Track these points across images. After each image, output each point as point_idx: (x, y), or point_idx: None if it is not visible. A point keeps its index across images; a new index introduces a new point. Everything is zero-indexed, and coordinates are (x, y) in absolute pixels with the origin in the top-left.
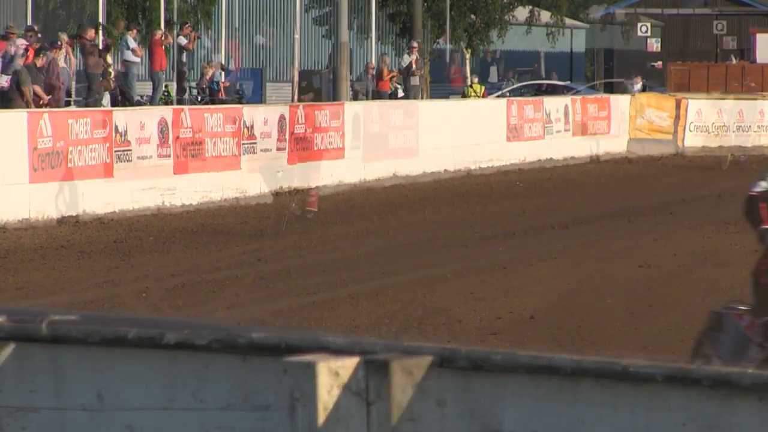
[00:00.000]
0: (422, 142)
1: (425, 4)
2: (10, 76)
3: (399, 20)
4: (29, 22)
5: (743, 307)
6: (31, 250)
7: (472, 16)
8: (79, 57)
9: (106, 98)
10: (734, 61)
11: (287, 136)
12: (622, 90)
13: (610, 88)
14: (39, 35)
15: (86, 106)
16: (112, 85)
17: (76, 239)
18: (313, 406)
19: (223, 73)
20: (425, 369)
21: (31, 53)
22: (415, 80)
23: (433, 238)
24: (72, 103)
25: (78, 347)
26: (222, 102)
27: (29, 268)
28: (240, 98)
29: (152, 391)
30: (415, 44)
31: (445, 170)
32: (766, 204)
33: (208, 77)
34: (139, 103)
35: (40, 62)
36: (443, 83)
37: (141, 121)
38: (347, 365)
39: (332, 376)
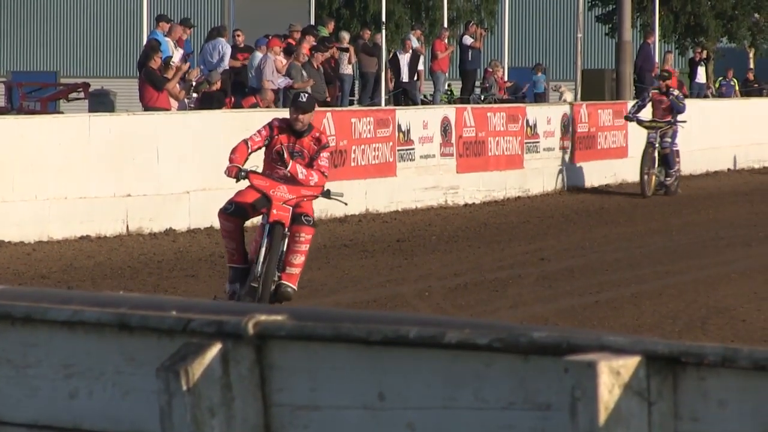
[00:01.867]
0: (701, 141)
1: (709, 3)
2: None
3: (683, 19)
4: (311, 22)
5: None
6: (315, 249)
7: (756, 14)
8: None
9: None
10: None
11: (571, 135)
12: None
13: None
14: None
15: (370, 105)
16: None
17: (359, 238)
18: (594, 405)
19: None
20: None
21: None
22: (701, 78)
23: (717, 237)
24: (354, 102)
25: (359, 346)
26: (503, 101)
27: (313, 266)
28: (522, 97)
29: (433, 390)
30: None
31: (728, 169)
32: (245, 150)
33: (498, 77)
34: (423, 103)
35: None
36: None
37: (424, 120)
38: (629, 365)
39: (613, 376)
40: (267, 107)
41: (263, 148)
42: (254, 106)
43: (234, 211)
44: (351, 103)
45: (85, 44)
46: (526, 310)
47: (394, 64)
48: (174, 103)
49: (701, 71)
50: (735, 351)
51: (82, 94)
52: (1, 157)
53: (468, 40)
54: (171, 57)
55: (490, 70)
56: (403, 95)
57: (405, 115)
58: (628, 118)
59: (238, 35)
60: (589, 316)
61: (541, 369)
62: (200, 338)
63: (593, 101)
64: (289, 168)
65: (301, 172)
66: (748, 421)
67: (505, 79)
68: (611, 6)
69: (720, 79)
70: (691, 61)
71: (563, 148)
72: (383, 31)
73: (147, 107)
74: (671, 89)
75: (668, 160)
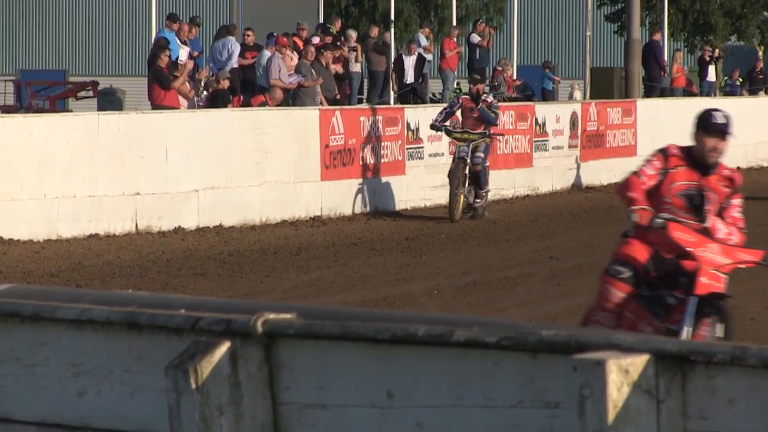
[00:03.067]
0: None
1: (718, 1)
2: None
3: (691, 17)
4: (320, 20)
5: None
6: (323, 247)
7: (765, 12)
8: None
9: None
10: None
11: (579, 134)
12: None
13: None
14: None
15: (379, 104)
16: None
17: (368, 236)
18: (602, 403)
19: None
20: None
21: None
22: (711, 77)
23: None
24: (363, 101)
25: (367, 344)
26: (512, 99)
27: (321, 265)
28: (530, 96)
29: (441, 388)
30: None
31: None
32: (641, 187)
33: (507, 75)
34: (431, 101)
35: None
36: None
37: (433, 118)
38: (637, 363)
39: (622, 374)
40: (276, 106)
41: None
42: (263, 104)
43: (629, 277)
44: (360, 101)
45: (94, 43)
46: (534, 309)
47: (398, 66)
48: (183, 102)
49: (711, 70)
50: (743, 349)
51: (90, 93)
52: (9, 155)
53: (476, 38)
54: (179, 56)
55: (499, 68)
56: (412, 94)
57: (414, 114)
58: (434, 127)
59: (248, 35)
60: None
61: (549, 367)
62: (209, 337)
63: (602, 99)
64: (707, 223)
65: (720, 229)
66: (757, 419)
67: (514, 77)
68: (620, 4)
69: (725, 78)
70: (700, 60)
71: (572, 147)
72: (392, 30)
73: (155, 106)
74: (485, 95)
75: (479, 178)
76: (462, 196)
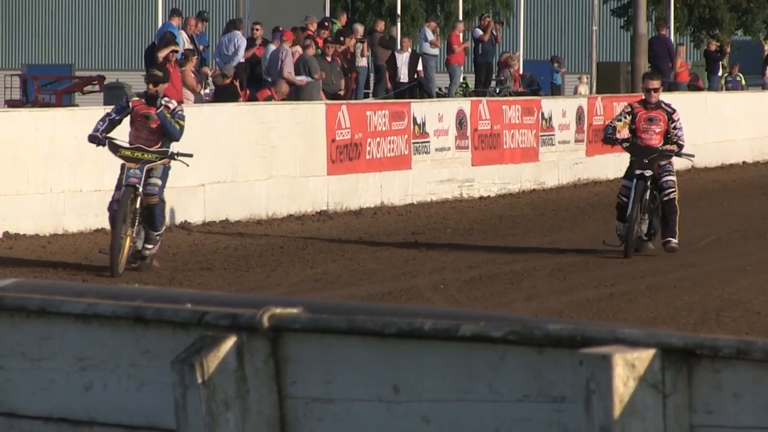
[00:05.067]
0: (716, 134)
1: None
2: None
3: (697, 11)
4: (327, 14)
5: None
6: (329, 242)
7: None
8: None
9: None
10: None
11: (585, 128)
12: None
13: None
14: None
15: (385, 98)
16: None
17: (374, 231)
18: (608, 398)
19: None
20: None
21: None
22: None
23: (732, 230)
24: (369, 95)
25: (373, 338)
26: (518, 94)
27: (327, 259)
28: (537, 90)
29: (447, 382)
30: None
31: (743, 162)
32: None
33: (514, 69)
34: (438, 96)
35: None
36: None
37: (439, 113)
38: (643, 357)
39: (628, 368)
40: (282, 100)
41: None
42: (269, 98)
43: None
44: (366, 95)
45: (100, 37)
46: (540, 303)
47: (391, 64)
48: (190, 96)
49: (720, 65)
50: (749, 343)
51: (97, 87)
52: (16, 149)
53: (478, 32)
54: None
55: (506, 63)
56: (419, 88)
57: (420, 108)
58: (93, 139)
59: (257, 29)
60: (603, 309)
61: (555, 361)
62: (215, 331)
63: (608, 94)
64: None
65: None
66: (763, 413)
67: (521, 71)
68: None
69: (725, 75)
70: (707, 54)
71: (578, 141)
72: (398, 24)
73: None
74: (167, 99)
75: (153, 215)
76: (129, 239)
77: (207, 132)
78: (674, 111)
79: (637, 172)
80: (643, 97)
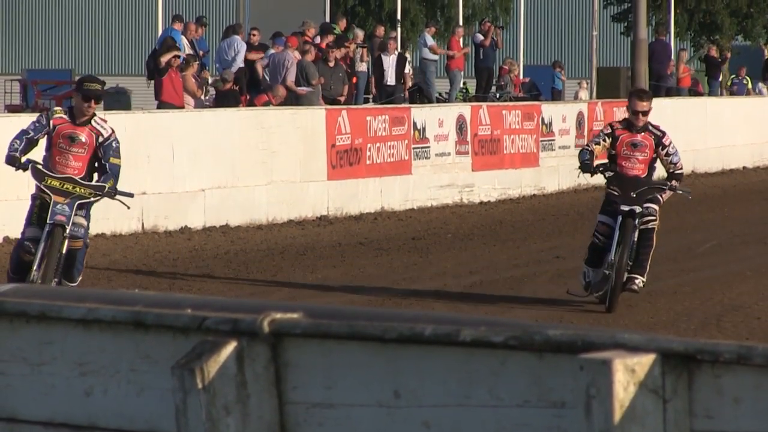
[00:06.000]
0: (716, 139)
1: (724, 1)
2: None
3: (698, 17)
4: (326, 19)
5: None
6: (329, 247)
7: None
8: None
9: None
10: None
11: (585, 133)
12: None
13: None
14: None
15: (385, 103)
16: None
17: (374, 236)
18: (609, 403)
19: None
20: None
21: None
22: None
23: (732, 235)
24: (369, 100)
25: (374, 344)
26: (518, 99)
27: (327, 264)
28: (537, 95)
29: (448, 388)
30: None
31: (744, 167)
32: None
33: (514, 75)
34: (438, 101)
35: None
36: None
37: (439, 119)
38: (643, 362)
39: (628, 373)
40: (281, 105)
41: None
42: (267, 104)
43: None
44: (366, 101)
45: (100, 42)
46: (541, 308)
47: (378, 68)
48: (191, 101)
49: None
50: (750, 349)
51: None
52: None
53: (479, 38)
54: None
55: (506, 68)
56: (419, 93)
57: (420, 114)
58: (12, 161)
59: (254, 34)
60: (604, 314)
61: (556, 367)
62: (215, 336)
63: (608, 99)
64: None
65: None
66: (763, 419)
67: (521, 77)
68: (626, 4)
69: (732, 77)
70: (707, 59)
71: (578, 146)
72: (398, 29)
73: (162, 105)
74: (97, 121)
75: (74, 262)
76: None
77: (207, 137)
78: (664, 134)
79: (624, 208)
80: (627, 118)
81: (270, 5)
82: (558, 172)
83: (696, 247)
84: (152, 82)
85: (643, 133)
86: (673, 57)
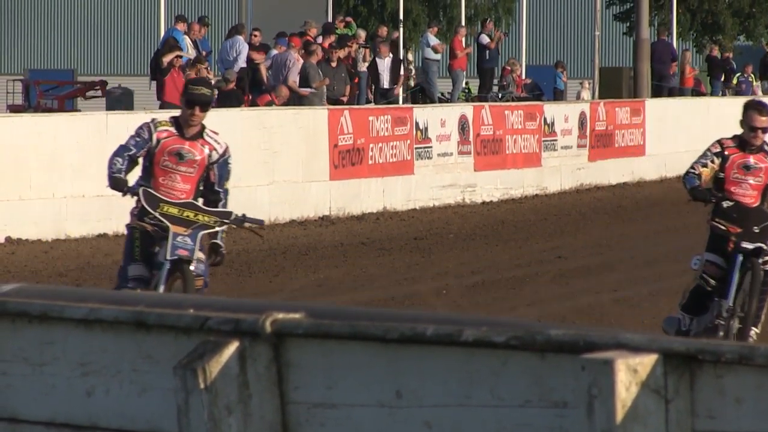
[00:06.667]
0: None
1: (726, 1)
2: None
3: (700, 16)
4: (329, 19)
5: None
6: (332, 247)
7: None
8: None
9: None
10: None
11: (588, 133)
12: None
13: None
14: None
15: (387, 103)
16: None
17: (376, 236)
18: (611, 403)
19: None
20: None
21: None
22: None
23: None
24: (372, 100)
25: (376, 344)
26: (521, 99)
27: (329, 264)
28: (539, 95)
29: (450, 388)
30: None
31: None
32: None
33: (516, 75)
34: (440, 101)
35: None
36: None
37: (441, 119)
38: (646, 362)
39: (630, 373)
40: (283, 105)
41: None
42: (269, 104)
43: None
44: (368, 101)
45: (103, 42)
46: (543, 308)
47: (373, 71)
48: None
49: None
50: (751, 349)
51: (99, 92)
52: (18, 155)
53: (485, 39)
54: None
55: (508, 68)
56: (421, 93)
57: (423, 114)
58: (117, 185)
59: (255, 35)
60: (606, 314)
61: (557, 367)
62: (217, 336)
63: (611, 99)
64: None
65: None
66: (765, 419)
67: (523, 77)
68: (629, 4)
69: (738, 75)
70: (709, 59)
71: (581, 146)
72: (401, 29)
73: (164, 105)
74: (211, 134)
75: None
76: None
77: None
78: None
79: (747, 246)
80: (740, 135)
81: (272, 6)
82: (560, 172)
83: (701, 247)
84: (155, 82)
85: (758, 153)
86: (677, 57)
